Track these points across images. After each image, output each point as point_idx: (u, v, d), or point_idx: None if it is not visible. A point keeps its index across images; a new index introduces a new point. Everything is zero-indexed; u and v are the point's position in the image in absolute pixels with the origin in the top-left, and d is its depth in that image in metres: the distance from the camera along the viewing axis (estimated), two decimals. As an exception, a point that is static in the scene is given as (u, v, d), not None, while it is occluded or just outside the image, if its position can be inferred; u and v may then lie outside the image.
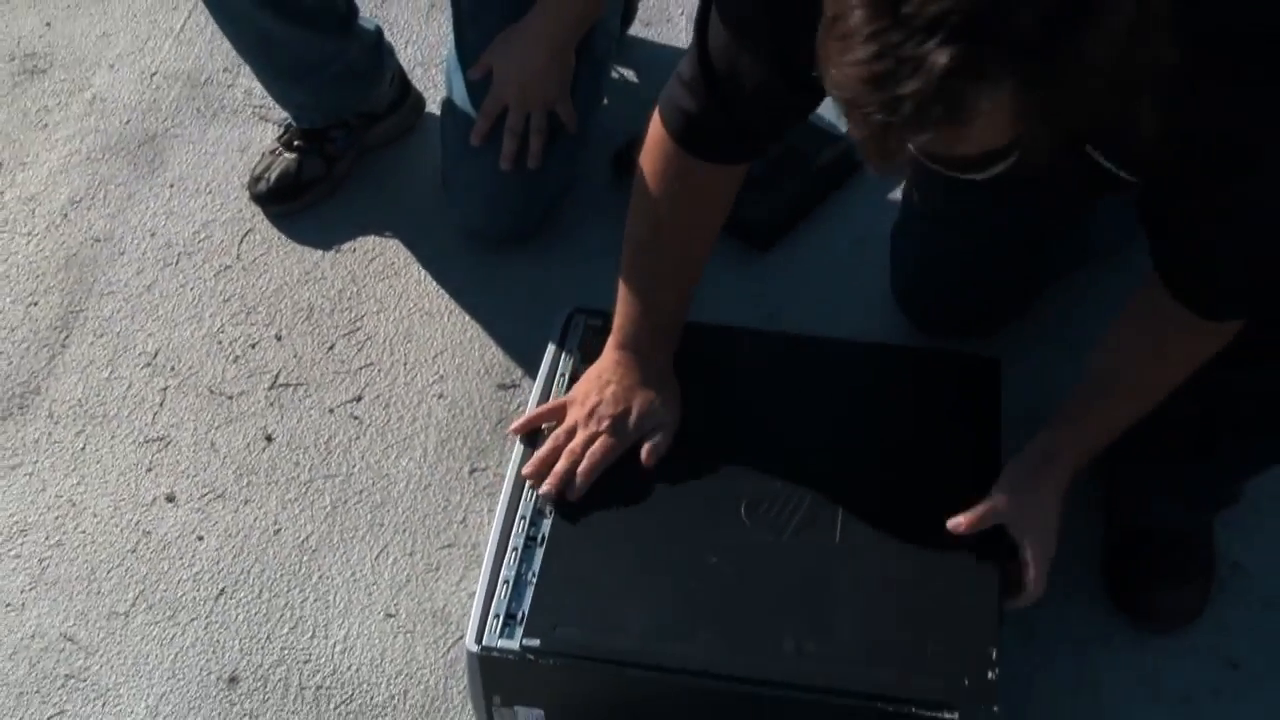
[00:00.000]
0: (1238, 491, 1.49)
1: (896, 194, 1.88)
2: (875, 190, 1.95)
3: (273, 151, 2.01)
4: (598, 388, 1.42)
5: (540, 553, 1.33)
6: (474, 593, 1.29)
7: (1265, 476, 1.41)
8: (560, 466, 1.37)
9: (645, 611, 1.28)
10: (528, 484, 1.37)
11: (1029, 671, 1.44)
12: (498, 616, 1.29)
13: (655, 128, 1.40)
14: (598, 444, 1.38)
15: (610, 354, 1.44)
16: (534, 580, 1.31)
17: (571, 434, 1.39)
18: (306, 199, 1.99)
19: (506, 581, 1.31)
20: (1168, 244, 1.21)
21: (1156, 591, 1.49)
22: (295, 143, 2.00)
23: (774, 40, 1.19)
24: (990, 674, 1.21)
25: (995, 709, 1.20)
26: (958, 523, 1.29)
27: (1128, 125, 0.96)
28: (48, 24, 2.35)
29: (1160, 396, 1.30)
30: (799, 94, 1.23)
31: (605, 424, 1.39)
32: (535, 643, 1.26)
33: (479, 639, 1.28)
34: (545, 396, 1.47)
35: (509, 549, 1.34)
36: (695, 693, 1.26)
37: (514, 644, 1.26)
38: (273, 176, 1.98)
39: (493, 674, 1.31)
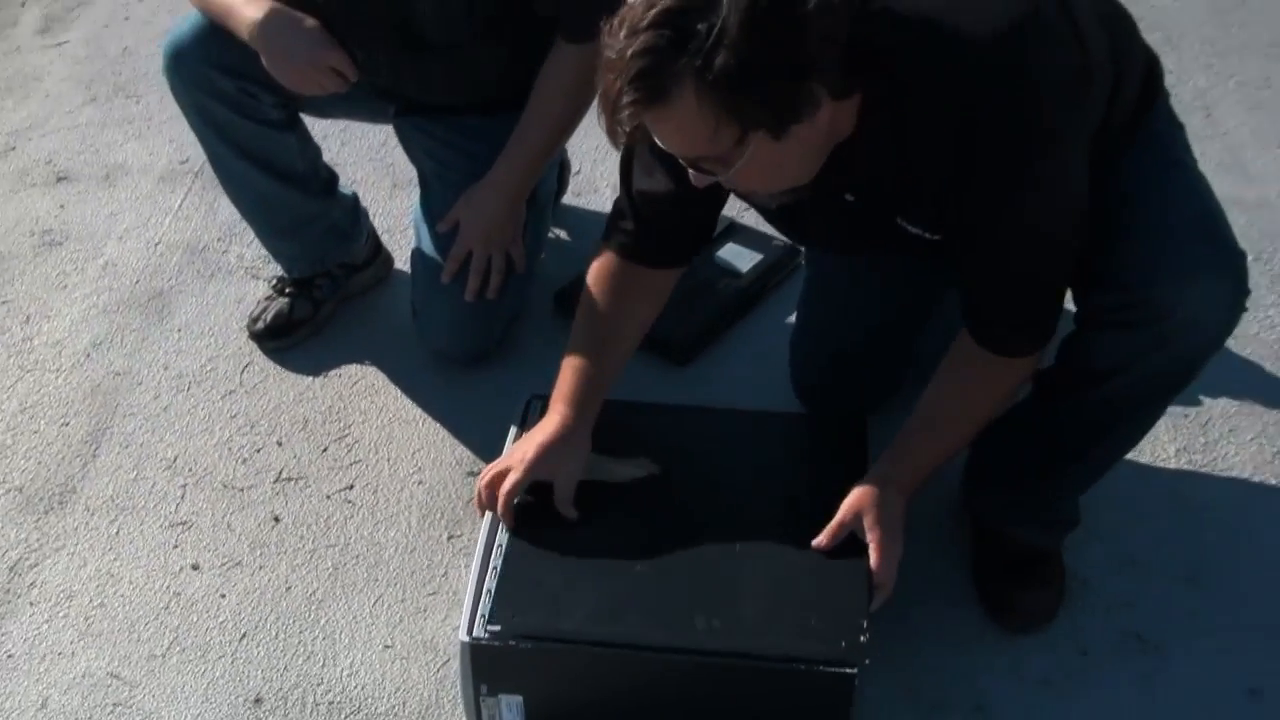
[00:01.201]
0: (1076, 515, 1.91)
1: (792, 318, 2.33)
2: (774, 316, 2.40)
3: (267, 298, 2.42)
4: (526, 437, 1.80)
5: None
6: (458, 626, 1.64)
7: (1102, 508, 1.83)
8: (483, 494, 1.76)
9: (586, 603, 1.65)
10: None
11: (917, 661, 1.81)
12: (482, 616, 1.65)
13: (600, 252, 1.84)
14: (508, 480, 1.74)
15: (550, 410, 1.83)
16: (494, 585, 1.67)
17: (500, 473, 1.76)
18: (297, 336, 2.40)
19: (488, 591, 1.68)
20: (962, 294, 1.66)
21: (1016, 594, 1.89)
22: (287, 290, 2.41)
23: (667, 162, 1.64)
24: (862, 638, 1.59)
25: (866, 662, 1.57)
26: (819, 541, 1.68)
27: (907, 191, 1.42)
28: (61, 206, 2.77)
29: (977, 425, 1.72)
30: (697, 206, 1.69)
31: (512, 462, 1.75)
32: (498, 628, 1.62)
33: (469, 632, 1.64)
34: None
35: (489, 567, 1.71)
36: (631, 663, 1.62)
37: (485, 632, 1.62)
38: (268, 317, 2.39)
39: (479, 661, 1.66)
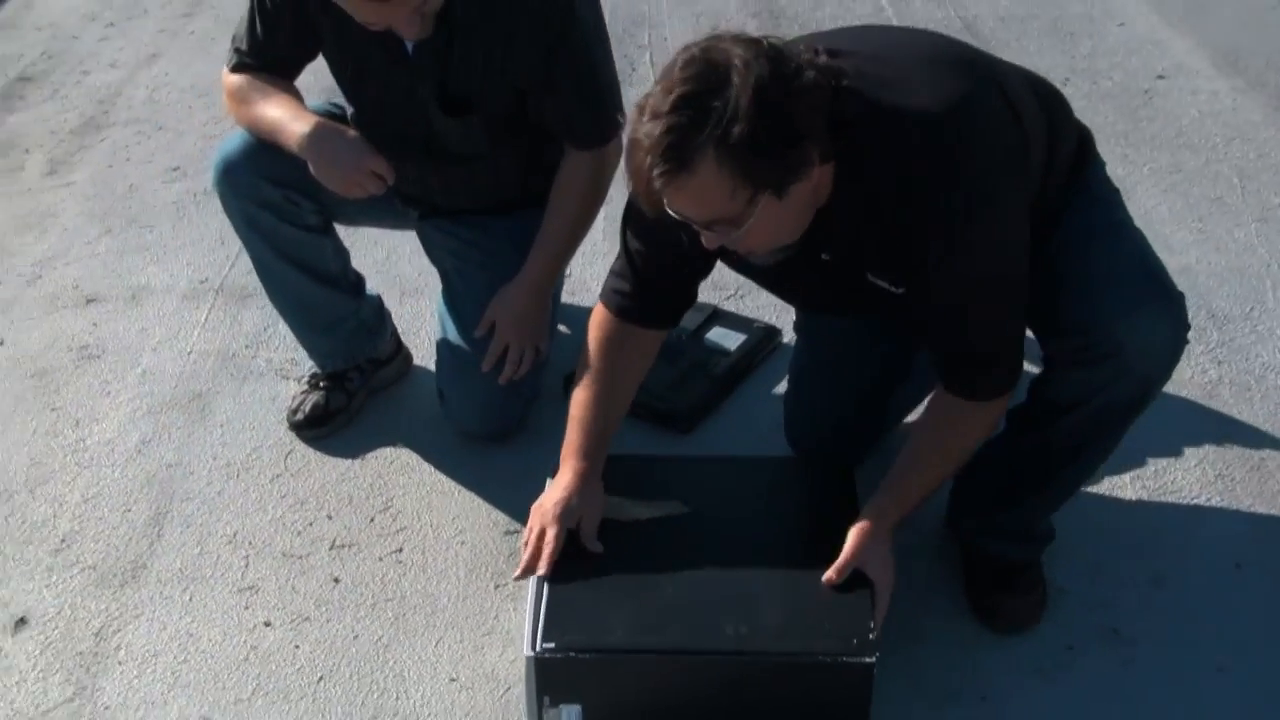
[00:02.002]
0: (1051, 531, 2.21)
1: (780, 388, 2.64)
2: (762, 388, 2.71)
3: (303, 392, 2.68)
4: (544, 498, 2.08)
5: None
6: (515, 658, 1.88)
7: (1074, 527, 2.14)
8: (527, 556, 2.03)
9: (628, 619, 1.91)
10: None
11: (926, 660, 2.09)
12: (542, 635, 1.90)
13: (597, 310, 2.14)
14: (548, 537, 2.02)
15: (563, 466, 2.11)
16: (545, 611, 1.93)
17: (540, 533, 2.04)
18: (333, 425, 2.66)
19: (545, 614, 1.94)
20: (930, 349, 1.96)
21: (1002, 601, 2.17)
22: (321, 384, 2.68)
23: (666, 233, 1.95)
24: (871, 635, 1.86)
25: (877, 655, 1.84)
26: (829, 576, 1.95)
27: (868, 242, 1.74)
28: (94, 324, 3.02)
29: (958, 463, 2.01)
30: (687, 265, 2.01)
31: (545, 520, 2.04)
32: (551, 645, 1.87)
33: (533, 648, 1.89)
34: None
35: (542, 598, 1.97)
36: (672, 667, 1.88)
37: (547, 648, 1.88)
38: (306, 408, 2.65)
39: (544, 674, 1.90)
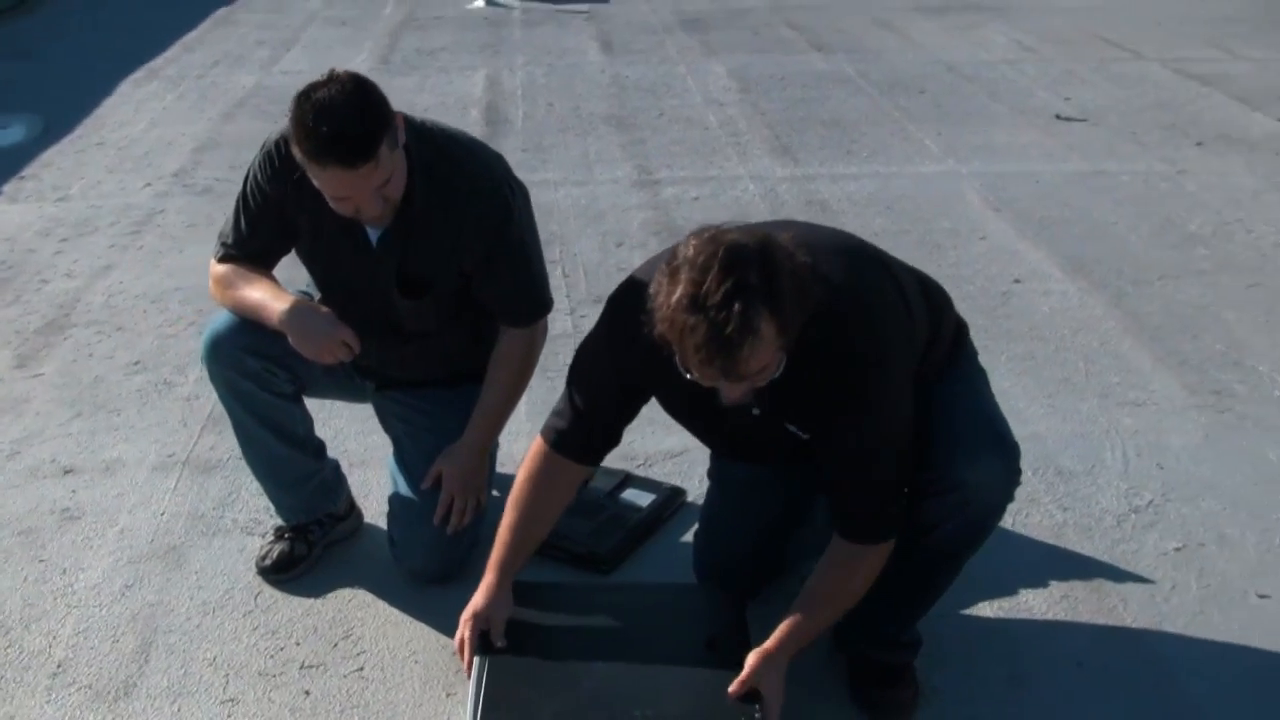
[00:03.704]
0: (919, 638, 2.68)
1: (687, 537, 3.12)
2: (672, 537, 3.19)
3: (270, 542, 3.11)
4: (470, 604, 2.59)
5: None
6: None
7: (945, 635, 2.63)
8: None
9: (554, 708, 2.36)
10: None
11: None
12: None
13: (534, 444, 2.63)
14: (464, 638, 2.54)
15: (485, 575, 2.60)
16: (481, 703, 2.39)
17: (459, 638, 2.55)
18: (297, 570, 3.08)
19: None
20: (829, 501, 2.47)
21: (882, 694, 2.63)
22: (286, 535, 3.11)
23: (616, 373, 2.46)
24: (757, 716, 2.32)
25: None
26: (732, 689, 2.40)
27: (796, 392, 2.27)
28: (73, 491, 3.43)
29: (850, 603, 2.47)
30: (614, 417, 2.53)
31: (460, 627, 2.56)
32: None
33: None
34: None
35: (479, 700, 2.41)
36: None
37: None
38: (273, 556, 3.08)
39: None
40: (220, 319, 2.93)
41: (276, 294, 2.85)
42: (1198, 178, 5.89)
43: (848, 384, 2.29)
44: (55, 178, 6.07)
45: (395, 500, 3.07)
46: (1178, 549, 3.14)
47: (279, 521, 3.15)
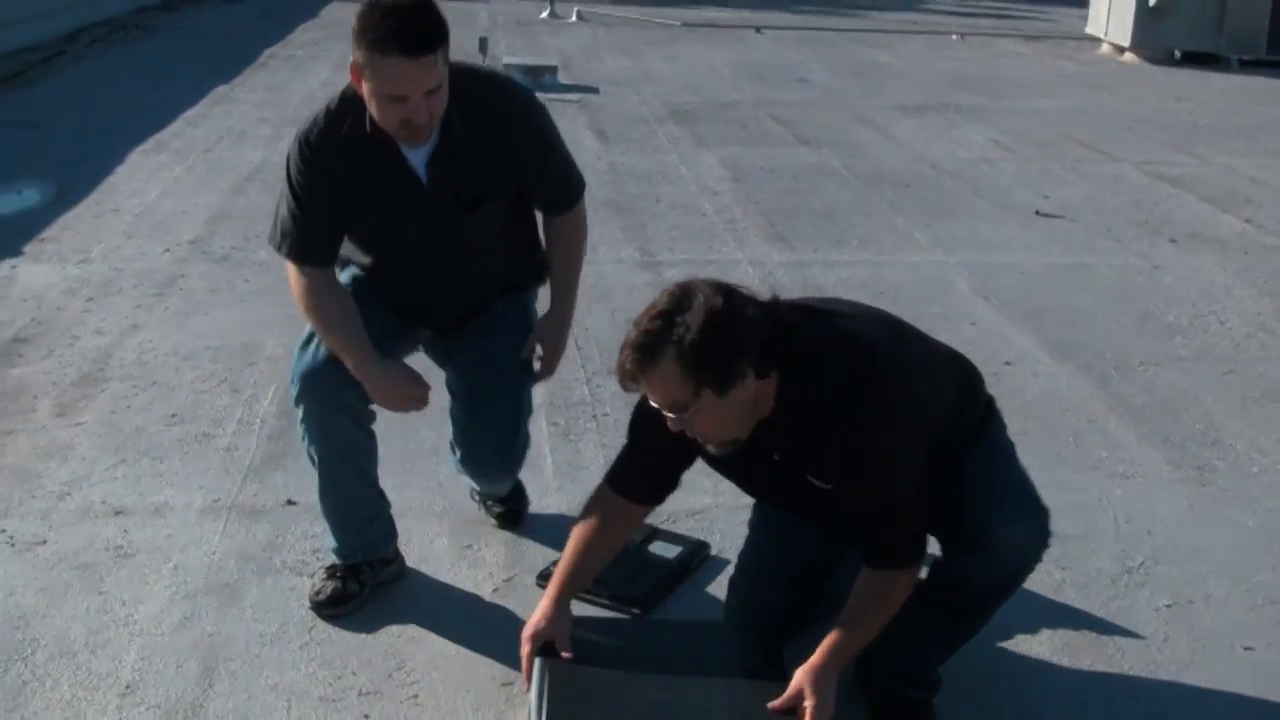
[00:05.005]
0: (940, 679, 2.91)
1: (712, 586, 3.35)
2: (699, 586, 3.41)
3: (324, 580, 3.32)
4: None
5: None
6: None
7: (964, 675, 2.86)
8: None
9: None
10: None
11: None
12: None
13: (599, 486, 2.89)
14: (524, 654, 2.78)
15: (544, 597, 2.85)
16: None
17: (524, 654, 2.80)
18: (350, 607, 3.28)
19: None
20: (852, 535, 2.72)
21: (901, 730, 2.86)
22: (338, 573, 3.32)
23: (662, 430, 2.71)
24: None
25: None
26: (775, 704, 2.65)
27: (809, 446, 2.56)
28: (125, 530, 3.62)
29: (884, 621, 2.71)
30: (670, 462, 2.80)
31: (522, 644, 2.80)
32: None
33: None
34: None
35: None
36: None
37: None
38: (327, 592, 3.28)
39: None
40: (309, 358, 3.13)
41: (359, 342, 3.08)
42: (1173, 272, 6.23)
43: (859, 439, 2.57)
44: (75, 240, 6.29)
45: (464, 406, 3.32)
46: (1168, 605, 3.39)
47: (330, 561, 3.35)
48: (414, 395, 3.10)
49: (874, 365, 2.60)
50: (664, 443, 2.77)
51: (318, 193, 3.08)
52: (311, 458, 3.22)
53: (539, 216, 3.39)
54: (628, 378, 2.53)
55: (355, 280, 3.27)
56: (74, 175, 7.42)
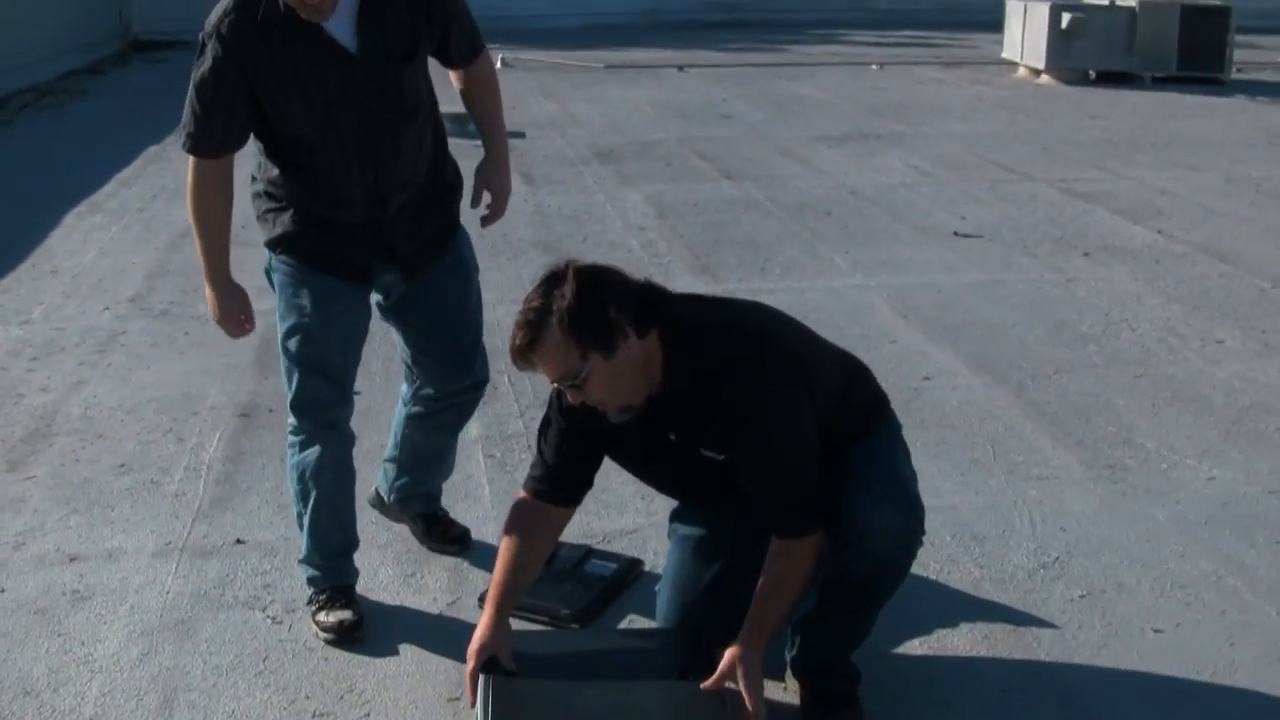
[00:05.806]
0: (858, 671, 3.09)
1: (648, 600, 3.52)
2: (632, 599, 3.58)
3: (329, 609, 3.43)
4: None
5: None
6: None
7: (885, 672, 3.05)
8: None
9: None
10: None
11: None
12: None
13: (518, 497, 3.08)
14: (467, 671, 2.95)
15: (483, 613, 3.02)
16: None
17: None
18: (363, 629, 3.44)
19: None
20: (756, 509, 2.91)
21: (830, 714, 3.03)
22: (339, 599, 3.46)
23: (567, 423, 2.91)
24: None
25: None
26: (707, 685, 2.83)
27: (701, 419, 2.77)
28: (80, 575, 3.75)
29: (799, 590, 2.90)
30: (581, 461, 2.99)
31: (468, 660, 2.95)
32: None
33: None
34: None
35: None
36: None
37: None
38: (347, 619, 3.41)
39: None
40: (298, 388, 3.37)
41: (219, 250, 3.36)
42: (1086, 284, 6.50)
43: (748, 408, 2.79)
44: (15, 303, 6.38)
45: (423, 332, 3.54)
46: (1082, 596, 3.60)
47: (317, 590, 3.49)
48: (242, 324, 3.42)
49: (753, 330, 2.88)
50: (571, 443, 2.96)
51: (224, 79, 3.13)
52: (305, 486, 3.42)
53: (454, 80, 3.57)
54: (519, 356, 2.76)
55: (306, 251, 3.36)
56: (9, 240, 7.51)
